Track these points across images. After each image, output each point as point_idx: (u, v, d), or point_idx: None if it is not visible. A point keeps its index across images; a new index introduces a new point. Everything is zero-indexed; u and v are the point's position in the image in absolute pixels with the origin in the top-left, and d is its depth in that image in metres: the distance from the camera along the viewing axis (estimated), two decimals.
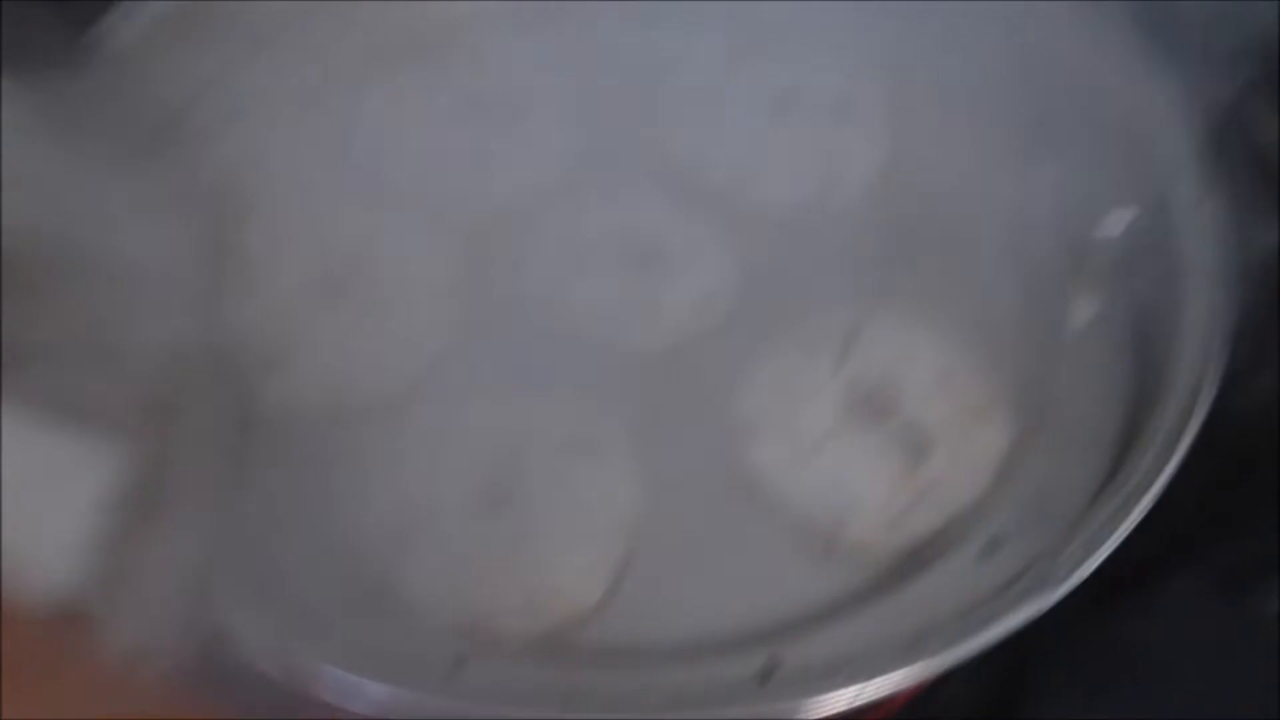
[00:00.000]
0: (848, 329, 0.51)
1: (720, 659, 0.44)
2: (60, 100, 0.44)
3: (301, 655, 0.38)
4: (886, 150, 0.58)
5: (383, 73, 0.59)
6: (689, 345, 0.53)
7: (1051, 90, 0.56)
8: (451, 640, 0.43)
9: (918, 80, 0.60)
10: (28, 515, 0.35)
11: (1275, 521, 0.56)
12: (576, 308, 0.53)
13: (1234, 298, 0.49)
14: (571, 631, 0.46)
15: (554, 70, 0.60)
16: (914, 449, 0.49)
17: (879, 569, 0.48)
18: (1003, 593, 0.41)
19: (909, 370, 0.50)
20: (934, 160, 0.58)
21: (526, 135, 0.57)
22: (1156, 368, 0.49)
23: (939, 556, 0.47)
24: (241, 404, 0.50)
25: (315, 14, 0.58)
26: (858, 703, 0.38)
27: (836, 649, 0.43)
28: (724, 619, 0.47)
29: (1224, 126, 0.53)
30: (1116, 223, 0.53)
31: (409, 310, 0.52)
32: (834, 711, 0.38)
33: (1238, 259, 0.50)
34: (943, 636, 0.39)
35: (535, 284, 0.53)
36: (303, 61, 0.58)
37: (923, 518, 0.48)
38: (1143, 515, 0.44)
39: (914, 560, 0.47)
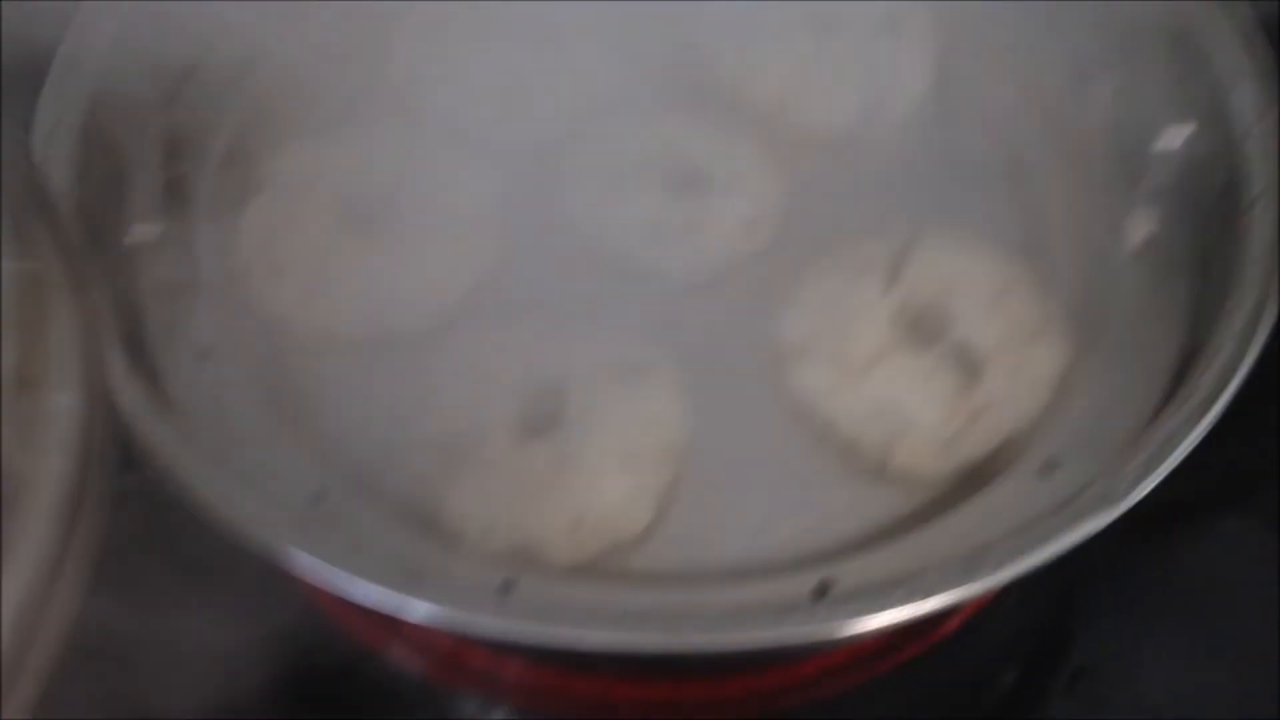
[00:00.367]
0: (897, 250, 0.50)
1: (771, 582, 0.43)
2: None
3: (349, 574, 0.38)
4: (934, 69, 0.57)
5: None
6: (734, 269, 0.52)
7: (1106, 1, 0.55)
8: (498, 566, 0.43)
9: None
10: None
11: None
12: (618, 232, 0.52)
13: None
14: (618, 558, 0.46)
15: None
16: (966, 371, 0.48)
17: (932, 492, 0.47)
18: (1063, 509, 0.40)
19: (961, 291, 0.49)
20: (983, 77, 0.57)
21: (565, 59, 0.56)
22: (1216, 286, 0.48)
23: (994, 479, 0.46)
24: (278, 334, 0.50)
25: None
26: (917, 616, 0.37)
27: (891, 570, 0.42)
28: (773, 543, 0.46)
29: None
30: (1174, 137, 0.51)
31: (447, 237, 0.51)
32: (892, 625, 0.37)
33: None
34: (1004, 551, 0.38)
35: (575, 209, 0.53)
36: None
37: (976, 440, 0.47)
38: (1205, 433, 0.43)
39: (968, 483, 0.47)
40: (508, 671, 0.52)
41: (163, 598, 0.52)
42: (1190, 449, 0.42)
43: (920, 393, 0.47)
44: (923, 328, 0.49)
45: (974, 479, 0.47)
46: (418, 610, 0.37)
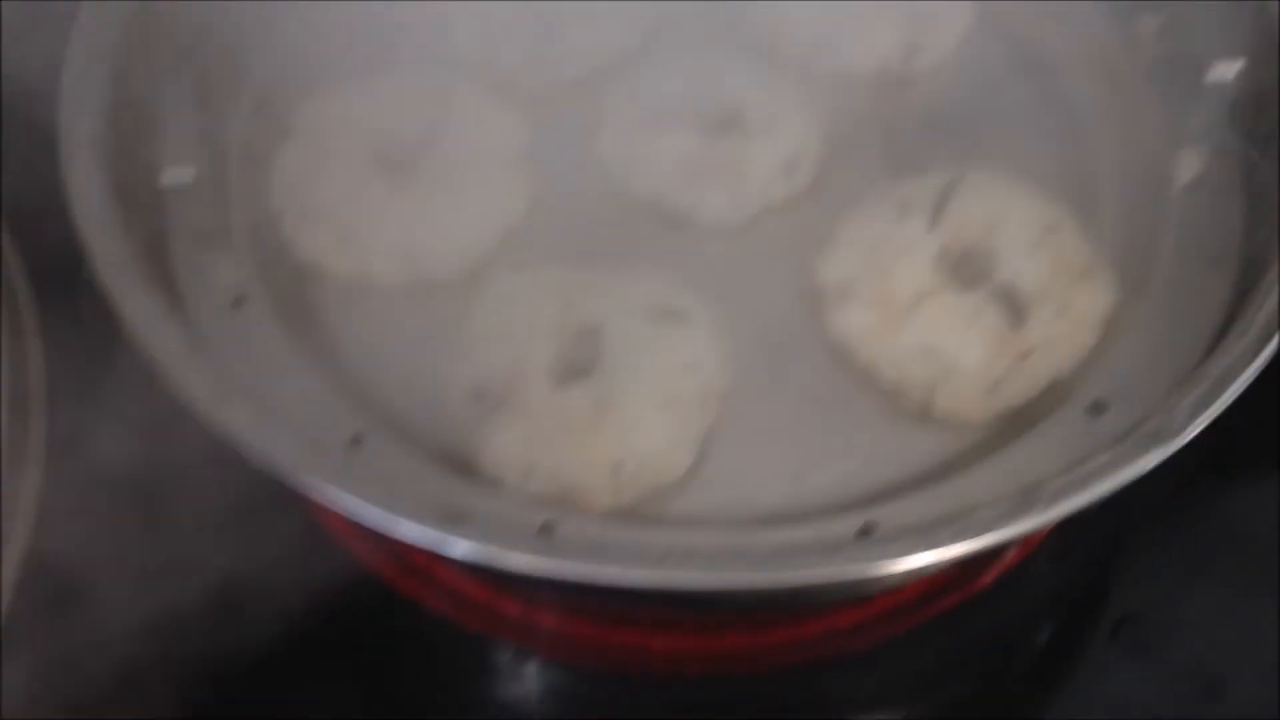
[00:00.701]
0: (940, 189, 0.49)
1: (814, 525, 0.43)
2: None
3: (391, 513, 0.37)
4: (974, 8, 0.55)
5: None
6: (773, 211, 0.51)
7: None
8: (538, 509, 0.42)
9: None
10: None
11: None
12: (654, 175, 0.51)
13: None
14: (658, 502, 0.45)
15: None
16: (1012, 312, 0.47)
17: (976, 436, 0.46)
18: (1116, 446, 0.39)
19: (1005, 231, 0.48)
20: (1025, 15, 0.55)
21: (599, 3, 0.55)
22: (1267, 223, 0.47)
23: (1041, 420, 0.45)
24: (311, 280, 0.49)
25: None
26: (968, 554, 0.36)
27: (937, 512, 0.41)
28: (814, 488, 0.45)
29: None
30: (1224, 71, 0.50)
31: (480, 182, 0.50)
32: (942, 563, 0.36)
33: None
34: (1058, 487, 0.38)
35: (610, 152, 0.52)
36: None
37: (1022, 383, 0.46)
38: (1260, 370, 0.42)
39: (1013, 426, 0.46)
40: (542, 622, 0.51)
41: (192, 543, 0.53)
42: (1245, 386, 0.41)
43: (964, 335, 0.46)
44: (966, 268, 0.48)
45: (1019, 422, 0.46)
46: (459, 548, 0.36)
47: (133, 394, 0.46)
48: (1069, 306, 0.47)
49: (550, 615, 0.51)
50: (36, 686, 0.46)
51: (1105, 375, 0.46)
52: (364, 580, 0.51)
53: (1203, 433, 0.41)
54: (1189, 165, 0.50)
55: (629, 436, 0.44)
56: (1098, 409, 0.44)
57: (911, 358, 0.47)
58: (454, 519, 0.37)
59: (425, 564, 0.51)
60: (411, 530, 0.37)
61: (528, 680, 0.52)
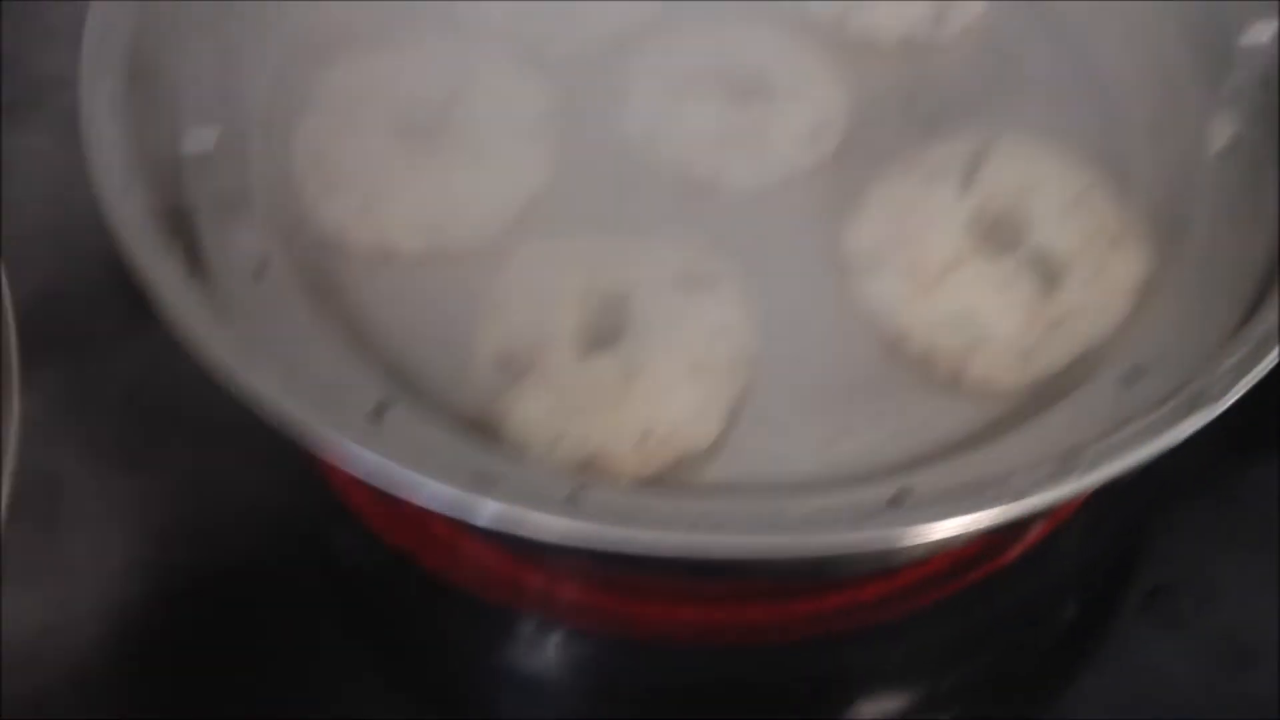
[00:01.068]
0: (971, 154, 0.48)
1: (845, 493, 0.42)
2: None
3: (418, 476, 0.37)
4: None
5: None
6: (800, 178, 0.50)
7: None
8: (566, 477, 0.42)
9: None
10: None
11: None
12: (678, 142, 0.50)
13: None
14: (686, 471, 0.45)
15: None
16: (1045, 278, 0.46)
17: (1009, 404, 0.45)
18: (1157, 410, 0.38)
19: (1038, 196, 0.47)
20: None
21: None
22: None
23: (1076, 387, 0.44)
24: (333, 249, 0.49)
25: None
26: (1005, 520, 0.36)
27: (971, 480, 0.41)
28: (844, 457, 0.45)
29: None
30: (1260, 33, 0.49)
31: (503, 149, 0.50)
32: (979, 529, 0.36)
33: None
34: (1099, 451, 0.37)
35: (634, 120, 0.51)
36: None
37: (1056, 350, 0.45)
38: None
39: (1046, 394, 0.45)
40: (566, 594, 0.51)
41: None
42: None
43: (997, 301, 0.46)
44: (998, 234, 0.47)
45: (1052, 390, 0.45)
46: (487, 512, 0.36)
47: None
48: (1103, 272, 0.46)
49: (575, 586, 0.51)
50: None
51: (1141, 342, 0.45)
52: (384, 553, 0.51)
53: (1235, 402, 0.40)
54: (1223, 129, 0.49)
55: (657, 404, 0.44)
56: (1134, 376, 0.44)
57: (942, 325, 0.46)
58: (482, 483, 0.36)
59: (448, 536, 0.51)
60: (439, 494, 0.36)
61: (551, 651, 0.52)
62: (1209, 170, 0.49)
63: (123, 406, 0.54)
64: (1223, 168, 0.48)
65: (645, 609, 0.50)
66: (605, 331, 0.46)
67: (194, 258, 0.44)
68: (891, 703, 0.51)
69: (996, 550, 0.51)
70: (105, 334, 0.55)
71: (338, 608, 0.51)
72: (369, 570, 0.52)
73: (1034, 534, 0.52)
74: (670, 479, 0.44)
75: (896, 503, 0.40)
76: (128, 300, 0.42)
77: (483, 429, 0.44)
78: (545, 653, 0.52)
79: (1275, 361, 0.39)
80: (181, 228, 0.44)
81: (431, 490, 0.37)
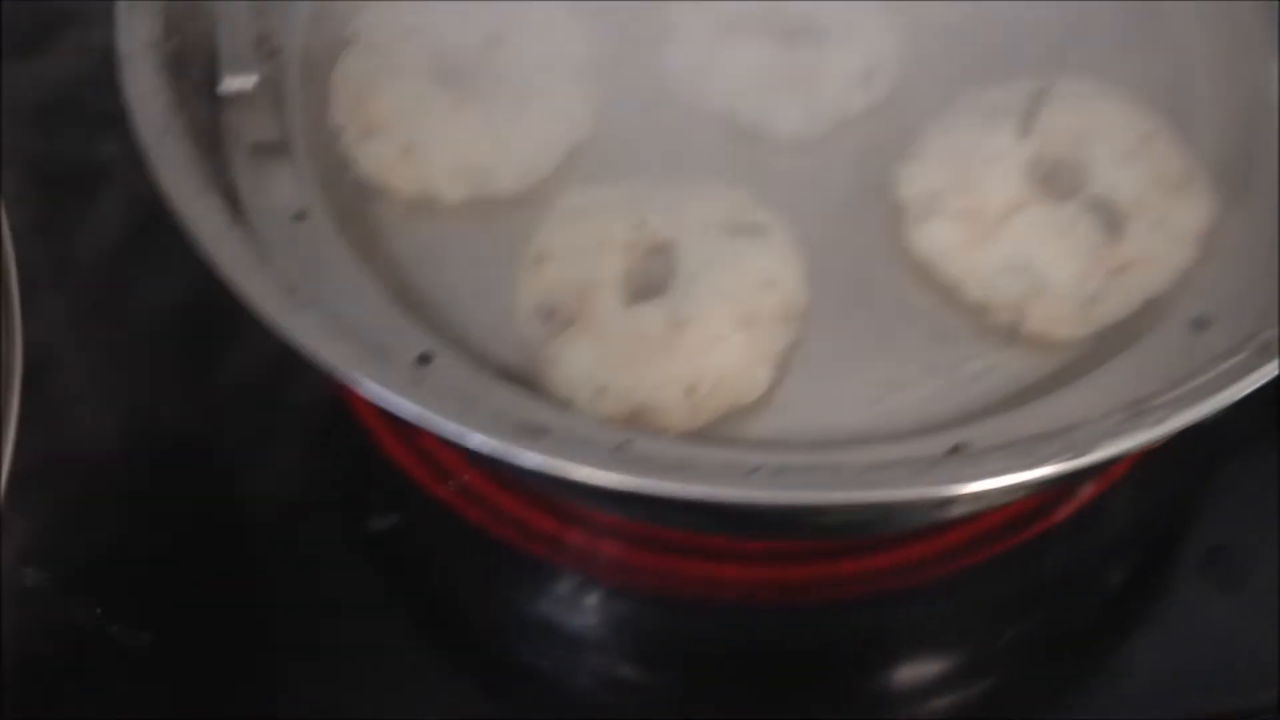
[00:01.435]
0: (1029, 98, 0.46)
1: (898, 446, 0.41)
2: None
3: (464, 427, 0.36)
4: None
5: None
6: (851, 122, 0.49)
7: None
8: (612, 430, 0.41)
9: None
10: None
11: None
12: (725, 86, 0.49)
13: None
14: (733, 425, 0.44)
15: None
16: (1107, 225, 0.44)
17: (1069, 355, 0.44)
18: (1227, 360, 0.37)
19: (1100, 139, 0.46)
20: None
21: None
22: None
23: (1139, 338, 0.43)
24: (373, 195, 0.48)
25: None
26: (1071, 470, 0.34)
27: (1030, 432, 0.39)
28: (897, 410, 0.44)
29: None
30: None
31: (545, 94, 0.48)
32: (1043, 480, 0.35)
33: None
34: (1170, 401, 0.35)
35: (680, 63, 0.50)
36: None
37: (1117, 299, 0.44)
38: None
39: (1109, 343, 0.44)
40: (608, 551, 0.50)
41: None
42: None
43: (1056, 249, 0.44)
44: (1057, 180, 0.46)
45: (1114, 341, 0.44)
46: (536, 462, 0.35)
47: None
48: (1167, 219, 0.45)
49: (617, 543, 0.50)
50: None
51: (1206, 290, 0.44)
52: (424, 507, 0.51)
53: None
54: None
55: (705, 355, 0.43)
56: (1200, 325, 0.42)
57: (1000, 274, 0.45)
58: (532, 433, 0.35)
59: (491, 493, 0.50)
60: (488, 444, 0.35)
61: (593, 609, 0.51)
62: (1273, 112, 0.47)
63: None
64: None
65: (688, 567, 0.49)
66: (651, 281, 0.45)
67: (233, 201, 0.43)
68: (938, 663, 0.51)
69: (1046, 510, 0.50)
70: None
71: (376, 562, 0.51)
72: (407, 521, 0.51)
73: (1086, 493, 0.51)
74: (717, 433, 0.43)
75: (955, 455, 0.38)
76: None
77: (526, 380, 0.43)
78: (587, 610, 0.51)
79: None
80: (220, 171, 0.44)
81: (479, 441, 0.36)
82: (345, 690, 0.47)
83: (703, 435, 0.43)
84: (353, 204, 0.47)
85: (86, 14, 0.53)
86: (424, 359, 0.42)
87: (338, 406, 0.52)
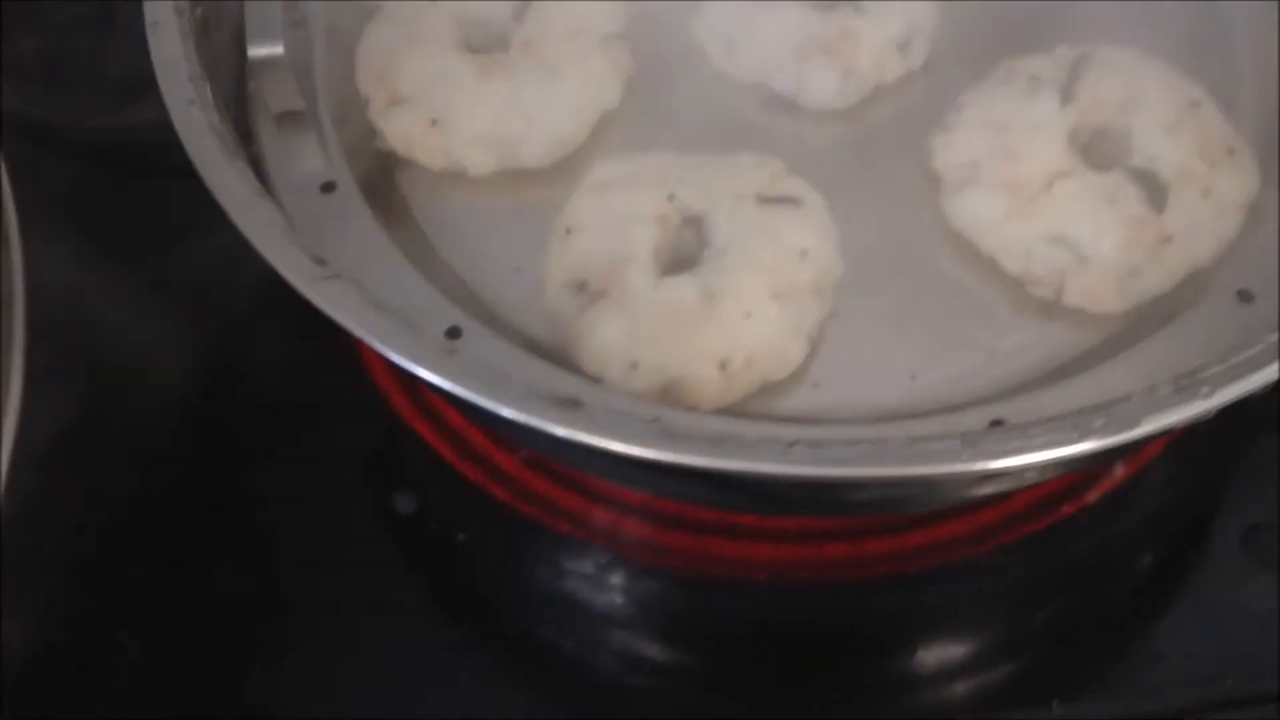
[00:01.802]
0: (1071, 64, 0.45)
1: (936, 421, 0.40)
2: None
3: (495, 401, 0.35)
4: None
5: None
6: (886, 92, 0.48)
7: None
8: (644, 404, 0.40)
9: None
10: None
11: None
12: (758, 56, 0.48)
13: None
14: (767, 401, 0.43)
15: None
16: (1149, 196, 0.43)
17: (1109, 329, 0.43)
18: (1276, 331, 0.36)
19: (1143, 108, 0.45)
20: None
21: None
22: None
23: (1183, 311, 0.42)
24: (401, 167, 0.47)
25: None
26: (1121, 443, 0.33)
27: (1071, 407, 0.38)
28: (933, 385, 0.43)
29: None
30: None
31: (575, 65, 0.47)
32: (1091, 454, 0.34)
33: None
34: (1221, 372, 0.34)
35: (711, 32, 0.49)
36: None
37: (1162, 270, 0.43)
38: None
39: (1151, 316, 0.43)
40: (638, 530, 0.50)
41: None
42: None
43: (1098, 221, 0.43)
44: (1098, 150, 0.45)
45: (1156, 314, 0.43)
46: (576, 436, 0.34)
47: None
48: (1211, 190, 0.44)
49: (645, 522, 0.50)
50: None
51: (1251, 262, 0.43)
52: (453, 484, 0.50)
53: None
54: None
55: (739, 329, 0.42)
56: (1245, 297, 0.41)
57: (1040, 246, 0.44)
58: (567, 407, 0.35)
59: (516, 471, 0.49)
60: (524, 417, 0.34)
61: (620, 585, 0.51)
62: None
63: None
64: None
65: (717, 546, 0.48)
66: (683, 253, 0.44)
67: (260, 172, 0.43)
68: (969, 644, 0.50)
69: (1079, 490, 0.49)
70: None
71: (400, 540, 0.51)
72: (432, 502, 0.51)
73: (1119, 473, 0.50)
74: (751, 409, 0.43)
75: (999, 429, 0.38)
76: None
77: (556, 355, 0.43)
78: (614, 589, 0.50)
79: None
80: (248, 139, 0.43)
81: (513, 415, 0.35)
82: (366, 670, 0.46)
83: (735, 411, 0.42)
84: (380, 175, 0.47)
85: None
86: (453, 332, 0.41)
87: (361, 385, 0.51)
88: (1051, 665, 0.48)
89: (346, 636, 0.47)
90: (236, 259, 0.40)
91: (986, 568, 0.49)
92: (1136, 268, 0.43)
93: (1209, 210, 0.44)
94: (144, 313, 0.53)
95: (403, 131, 0.47)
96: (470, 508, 0.50)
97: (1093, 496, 0.50)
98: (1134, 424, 0.34)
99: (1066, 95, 0.45)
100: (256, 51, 0.44)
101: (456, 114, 0.46)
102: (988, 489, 0.43)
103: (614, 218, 0.44)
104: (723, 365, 0.42)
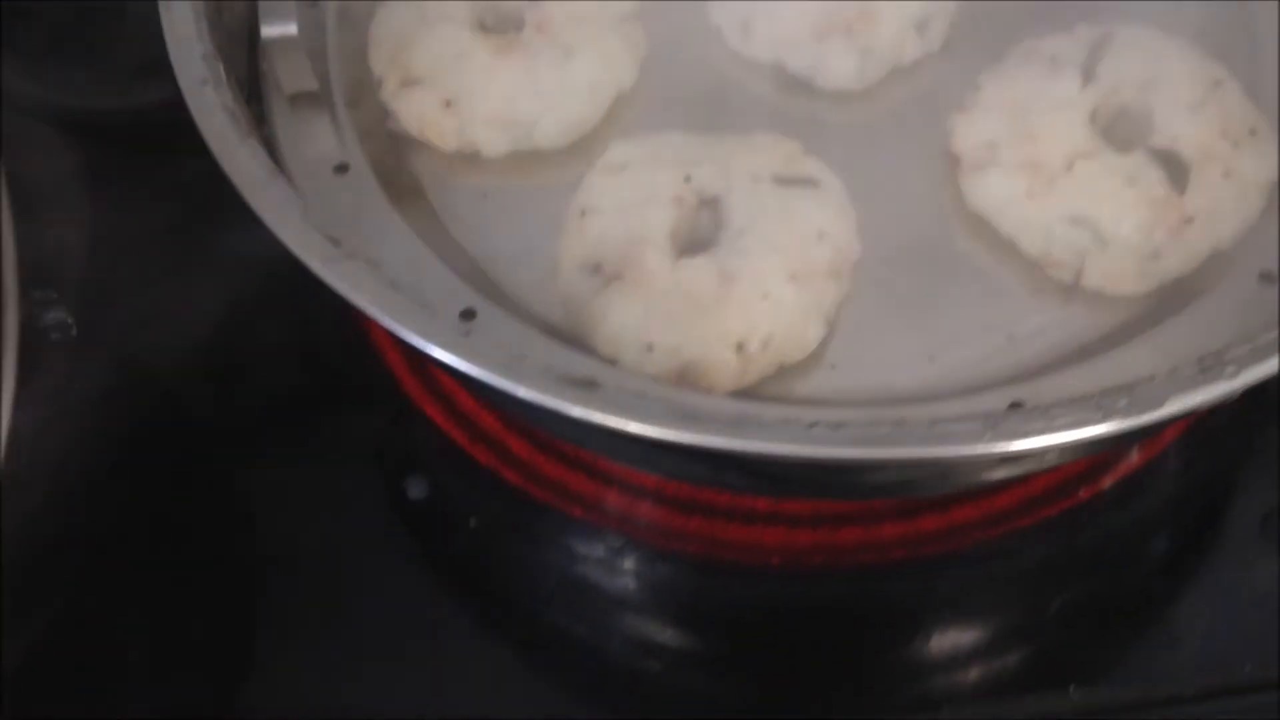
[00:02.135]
0: (1092, 44, 0.45)
1: (955, 403, 0.40)
2: None
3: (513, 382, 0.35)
4: None
5: None
6: (904, 72, 0.48)
7: None
8: (661, 387, 0.40)
9: None
10: None
11: None
12: (774, 36, 0.48)
13: None
14: (783, 383, 0.43)
15: None
16: (1171, 177, 0.43)
17: (1129, 311, 0.43)
18: None
19: (1164, 88, 0.44)
20: None
21: None
22: None
23: (1204, 292, 0.42)
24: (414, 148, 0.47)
25: None
26: (1146, 425, 0.33)
27: (1092, 389, 0.37)
28: (953, 366, 0.43)
29: None
30: None
31: (589, 45, 0.47)
32: (1115, 435, 0.33)
33: None
34: (1246, 353, 0.34)
35: (727, 12, 0.48)
36: None
37: (1183, 251, 0.43)
38: None
39: (1172, 298, 0.42)
40: (652, 514, 0.50)
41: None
42: None
43: (1119, 202, 0.43)
44: (1119, 130, 0.44)
45: (1177, 296, 0.43)
46: (593, 417, 0.34)
47: None
48: (1233, 170, 0.43)
49: (658, 506, 0.49)
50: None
51: (1274, 243, 0.42)
52: (465, 469, 0.50)
53: None
54: None
55: (755, 311, 0.42)
56: (1267, 279, 0.41)
57: (1060, 227, 0.43)
58: (585, 387, 0.34)
59: (528, 455, 0.49)
60: (541, 398, 0.34)
61: (632, 569, 0.50)
62: None
63: None
64: None
65: (730, 530, 0.48)
66: (699, 234, 0.44)
67: (273, 152, 0.42)
68: (985, 629, 0.50)
69: (1095, 475, 0.49)
70: None
71: (411, 524, 0.51)
72: (444, 487, 0.51)
73: (1135, 458, 0.50)
74: (767, 391, 0.42)
75: (1020, 410, 0.37)
76: None
77: (570, 338, 0.43)
78: (626, 573, 0.50)
79: None
80: (260, 121, 0.43)
81: (529, 396, 0.35)
82: (376, 656, 0.46)
83: (751, 394, 0.42)
84: (393, 156, 0.46)
85: None
86: (468, 314, 0.41)
87: (371, 367, 0.51)
88: (1068, 650, 0.47)
89: (357, 622, 0.47)
90: (247, 241, 0.40)
91: (1002, 552, 0.49)
92: (1157, 249, 0.43)
93: (1231, 191, 0.43)
94: (152, 296, 0.53)
95: (416, 113, 0.46)
96: (482, 492, 0.50)
97: (1109, 481, 0.49)
98: (1158, 404, 0.33)
99: (1087, 75, 0.44)
100: (269, 31, 0.44)
101: (470, 95, 0.46)
102: (1006, 472, 0.42)
103: (629, 199, 0.44)
104: (739, 347, 0.42)
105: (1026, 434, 0.33)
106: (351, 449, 0.51)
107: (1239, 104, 0.45)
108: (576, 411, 0.34)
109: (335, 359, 0.52)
